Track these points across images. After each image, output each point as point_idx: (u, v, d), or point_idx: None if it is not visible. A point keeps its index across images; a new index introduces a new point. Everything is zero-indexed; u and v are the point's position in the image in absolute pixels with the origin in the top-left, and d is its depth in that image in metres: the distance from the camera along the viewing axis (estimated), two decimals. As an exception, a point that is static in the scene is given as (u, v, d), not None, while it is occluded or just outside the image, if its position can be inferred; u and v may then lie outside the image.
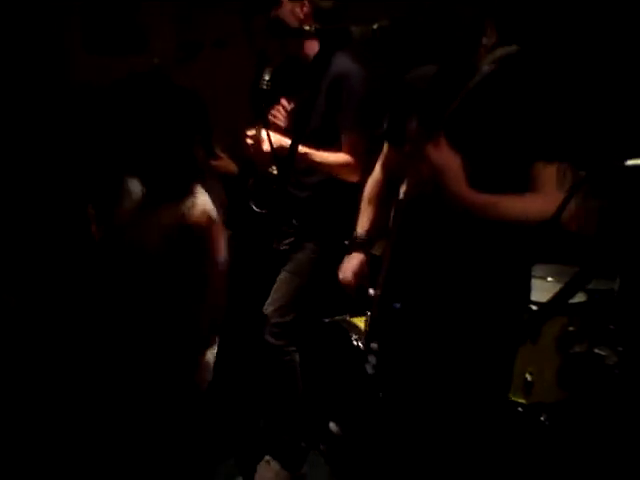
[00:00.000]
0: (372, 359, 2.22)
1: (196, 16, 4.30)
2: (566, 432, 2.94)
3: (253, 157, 3.09)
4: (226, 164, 3.69)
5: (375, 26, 1.94)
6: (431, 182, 1.97)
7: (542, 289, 2.60)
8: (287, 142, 2.95)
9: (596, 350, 3.00)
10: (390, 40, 1.99)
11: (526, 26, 2.11)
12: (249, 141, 3.02)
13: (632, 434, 2.75)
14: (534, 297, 2.31)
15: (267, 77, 3.05)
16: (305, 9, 3.03)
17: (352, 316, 3.37)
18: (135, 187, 2.69)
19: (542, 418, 2.95)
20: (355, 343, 3.20)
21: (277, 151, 2.95)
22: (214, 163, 3.64)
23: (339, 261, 2.65)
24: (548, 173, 2.00)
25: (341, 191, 3.08)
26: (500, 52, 2.01)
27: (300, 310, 3.14)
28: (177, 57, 3.75)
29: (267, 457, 3.21)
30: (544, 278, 3.12)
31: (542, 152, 2.00)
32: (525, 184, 2.03)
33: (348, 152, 3.02)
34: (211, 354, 2.61)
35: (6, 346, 3.21)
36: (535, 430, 2.93)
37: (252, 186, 3.24)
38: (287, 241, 3.16)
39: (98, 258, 2.84)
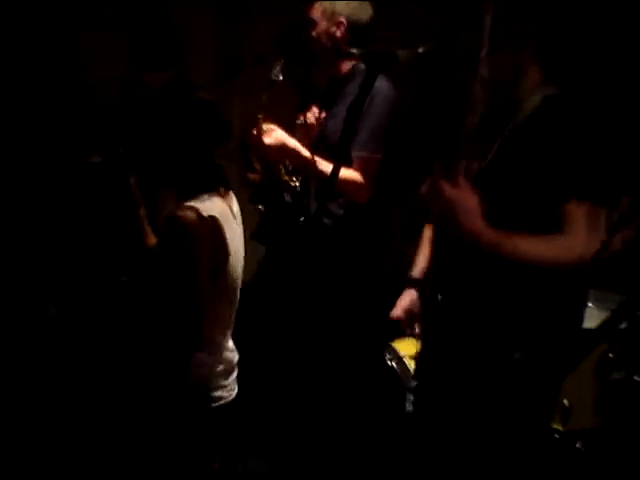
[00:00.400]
0: (411, 397, 2.23)
1: (239, 32, 4.32)
2: (602, 459, 2.90)
3: (254, 149, 3.03)
4: None
5: (421, 50, 1.94)
6: (443, 218, 1.95)
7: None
8: (291, 141, 2.91)
9: (636, 377, 2.96)
10: (433, 64, 2.00)
11: (570, 66, 2.09)
12: (253, 132, 2.94)
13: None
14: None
15: (278, 68, 2.97)
16: (342, 28, 2.98)
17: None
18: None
19: (578, 445, 2.91)
20: (389, 363, 3.18)
21: (278, 148, 2.91)
22: (252, 176, 3.67)
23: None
24: (578, 213, 1.93)
25: (366, 222, 3.06)
26: (541, 93, 2.02)
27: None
28: (218, 76, 3.75)
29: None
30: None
31: (575, 191, 1.95)
32: (556, 228, 1.97)
33: (357, 170, 2.95)
34: (209, 357, 2.55)
35: (45, 354, 3.26)
36: (571, 457, 2.89)
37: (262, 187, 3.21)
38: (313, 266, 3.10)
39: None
